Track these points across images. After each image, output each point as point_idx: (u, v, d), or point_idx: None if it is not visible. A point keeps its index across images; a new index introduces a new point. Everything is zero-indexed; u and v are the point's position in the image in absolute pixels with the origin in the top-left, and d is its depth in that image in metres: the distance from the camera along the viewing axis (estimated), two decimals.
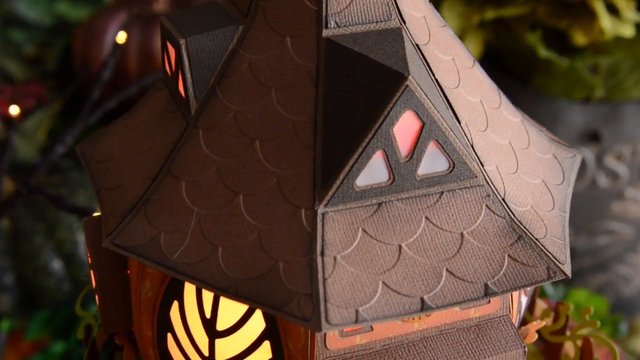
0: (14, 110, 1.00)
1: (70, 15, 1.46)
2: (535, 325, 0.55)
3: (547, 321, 0.64)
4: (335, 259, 0.42)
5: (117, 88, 1.04)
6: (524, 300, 0.52)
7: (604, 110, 1.11)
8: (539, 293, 0.70)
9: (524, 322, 0.61)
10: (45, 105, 1.26)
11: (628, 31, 0.97)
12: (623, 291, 1.23)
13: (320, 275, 0.42)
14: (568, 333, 0.62)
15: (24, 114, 1.22)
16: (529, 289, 0.52)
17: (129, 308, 0.52)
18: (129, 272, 0.51)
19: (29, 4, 1.46)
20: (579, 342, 0.61)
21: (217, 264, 0.44)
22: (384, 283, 0.42)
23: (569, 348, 0.63)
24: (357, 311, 0.41)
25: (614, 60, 1.08)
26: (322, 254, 0.42)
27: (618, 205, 1.18)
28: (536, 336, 0.55)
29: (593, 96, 1.10)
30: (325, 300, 0.41)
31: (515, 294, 0.49)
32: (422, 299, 0.43)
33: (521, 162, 0.49)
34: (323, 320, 0.40)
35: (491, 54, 1.05)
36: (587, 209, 1.16)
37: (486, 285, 0.44)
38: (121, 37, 0.89)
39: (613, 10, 0.98)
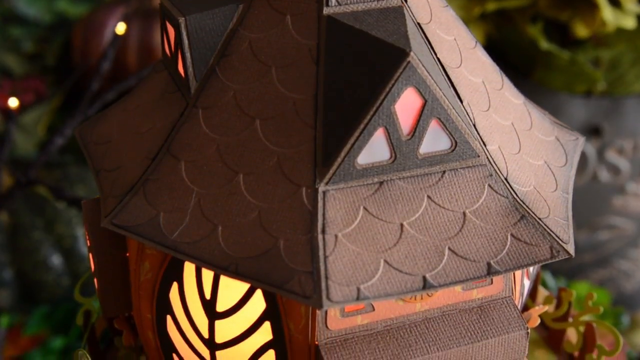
0: (13, 102, 1.00)
1: (69, 12, 1.46)
2: (537, 310, 0.54)
3: (550, 308, 0.64)
4: (336, 237, 0.42)
5: (117, 82, 1.04)
6: (527, 283, 0.52)
7: (606, 104, 1.11)
8: (540, 284, 0.69)
9: (526, 308, 0.60)
10: (45, 100, 1.26)
11: (630, 23, 0.96)
12: (624, 286, 1.22)
13: (321, 253, 0.41)
14: (570, 320, 0.62)
15: (23, 108, 1.22)
16: (532, 271, 0.52)
17: (128, 291, 0.51)
18: (128, 254, 0.50)
19: (28, 2, 1.46)
20: (582, 328, 0.61)
21: (217, 242, 0.43)
22: (385, 261, 0.42)
23: (572, 335, 0.63)
24: (358, 289, 0.41)
25: (616, 53, 1.08)
26: (323, 232, 0.42)
27: (619, 200, 1.18)
28: (538, 320, 0.54)
29: (594, 90, 1.10)
30: (327, 278, 0.41)
31: (518, 276, 0.49)
32: (424, 277, 0.42)
33: (523, 144, 0.49)
34: (324, 297, 0.40)
35: (492, 46, 1.04)
36: (588, 203, 1.16)
37: (489, 264, 0.43)
38: (120, 28, 0.89)
39: (615, 2, 0.98)
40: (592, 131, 1.12)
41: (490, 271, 0.43)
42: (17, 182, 0.92)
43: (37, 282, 1.13)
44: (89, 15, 1.22)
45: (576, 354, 0.61)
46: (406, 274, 0.42)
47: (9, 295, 1.14)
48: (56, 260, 1.14)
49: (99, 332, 0.61)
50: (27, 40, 1.37)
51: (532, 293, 0.63)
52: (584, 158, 1.07)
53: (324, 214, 0.42)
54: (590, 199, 1.16)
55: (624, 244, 1.21)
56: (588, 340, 0.59)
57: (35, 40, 1.37)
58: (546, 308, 0.56)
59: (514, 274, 0.48)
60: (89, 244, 0.52)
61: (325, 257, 0.41)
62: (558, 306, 0.63)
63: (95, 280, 0.52)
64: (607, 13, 0.96)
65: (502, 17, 1.04)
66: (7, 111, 1.00)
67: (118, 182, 0.48)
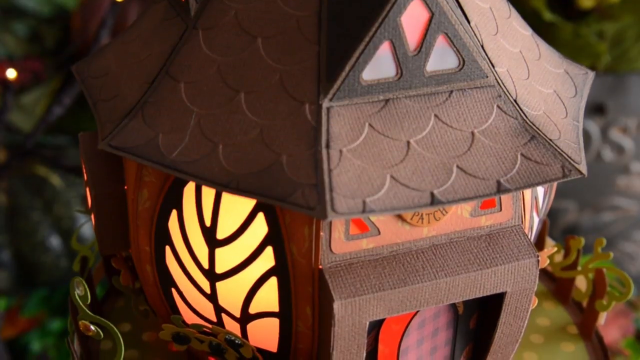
0: (11, 74, 0.99)
1: (68, 4, 1.45)
2: (546, 251, 0.53)
3: (558, 257, 0.62)
4: (341, 151, 0.41)
5: None
6: (536, 220, 0.50)
7: (609, 82, 1.09)
8: None
9: None
10: (44, 82, 1.25)
11: None
12: (629, 269, 1.21)
13: (325, 167, 0.40)
14: (579, 268, 0.61)
15: (22, 89, 1.21)
16: (541, 208, 0.51)
17: (126, 228, 0.50)
18: (125, 187, 0.49)
19: None
20: (591, 276, 0.59)
21: (218, 160, 0.42)
22: (392, 177, 0.41)
23: (581, 284, 0.61)
24: (364, 202, 0.39)
25: (620, 26, 1.07)
26: (328, 146, 0.41)
27: (623, 180, 1.17)
28: (548, 261, 0.53)
29: (599, 65, 1.08)
30: (331, 190, 0.39)
31: (527, 206, 0.47)
32: (432, 193, 0.41)
33: (532, 72, 0.48)
34: (329, 208, 0.39)
35: None
36: (592, 184, 1.14)
37: (498, 182, 0.42)
38: None
39: None
40: (595, 109, 1.11)
41: (500, 189, 0.42)
42: (15, 153, 0.90)
43: (36, 264, 1.12)
44: None
45: (585, 303, 0.60)
46: (413, 190, 0.41)
47: (7, 276, 1.13)
48: (55, 241, 1.13)
49: (96, 282, 0.59)
50: (26, 33, 1.36)
51: (539, 243, 0.61)
52: (587, 137, 1.06)
53: (328, 130, 0.41)
54: (593, 180, 1.14)
55: (628, 226, 1.20)
56: (598, 286, 0.58)
57: (33, 30, 1.36)
58: (555, 249, 0.54)
59: (523, 203, 0.47)
60: (85, 178, 0.50)
61: (330, 171, 0.40)
62: (566, 255, 0.61)
63: (92, 216, 0.51)
64: None
65: None
66: (5, 82, 0.99)
67: (116, 108, 0.46)
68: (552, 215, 1.09)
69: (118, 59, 0.50)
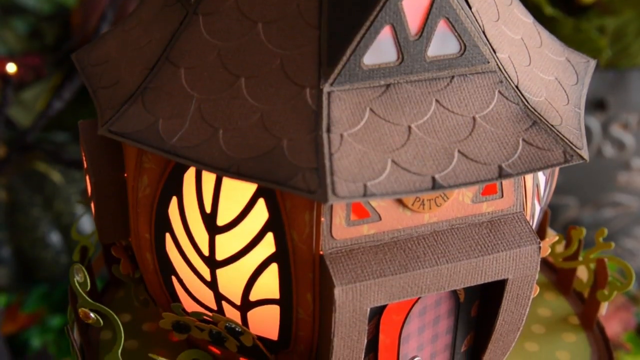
0: (11, 68, 0.99)
1: (68, 2, 1.45)
2: (548, 240, 0.53)
3: (559, 248, 0.62)
4: (342, 136, 0.40)
5: None
6: (538, 208, 0.50)
7: (610, 77, 1.09)
8: None
9: None
10: (44, 78, 1.25)
11: None
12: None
13: (326, 151, 0.40)
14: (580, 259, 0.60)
15: (22, 85, 1.21)
16: (542, 196, 0.50)
17: (126, 216, 0.50)
18: (125, 175, 0.49)
19: None
20: (592, 266, 0.59)
21: (218, 145, 0.42)
22: (393, 161, 0.40)
23: (582, 274, 0.61)
24: (365, 185, 0.39)
25: (621, 21, 1.06)
26: (328, 130, 0.40)
27: (624, 176, 1.16)
28: (549, 250, 0.53)
29: (600, 60, 1.08)
30: (332, 174, 0.39)
31: (529, 193, 0.47)
32: (433, 178, 0.41)
33: (534, 59, 0.48)
34: (329, 192, 0.38)
35: None
36: (593, 179, 1.14)
37: (500, 167, 0.42)
38: None
39: None
40: (596, 105, 1.11)
41: (502, 174, 0.41)
42: (15, 147, 0.90)
43: (36, 260, 1.12)
44: None
45: (586, 294, 0.60)
46: (415, 174, 0.40)
47: (7, 273, 1.12)
48: (55, 237, 1.12)
49: (96, 272, 0.59)
50: (26, 30, 1.36)
51: (540, 234, 0.61)
52: (588, 133, 1.06)
53: (329, 114, 0.41)
54: (594, 175, 1.14)
55: (629, 222, 1.19)
56: (599, 276, 0.57)
57: (33, 27, 1.36)
58: (557, 238, 0.54)
59: (524, 190, 0.46)
60: (85, 166, 0.50)
61: (331, 155, 0.40)
62: (567, 246, 0.61)
63: (92, 204, 0.51)
64: None
65: None
66: (5, 76, 0.99)
67: (116, 94, 0.46)
68: (553, 211, 1.09)
69: (118, 46, 0.50)
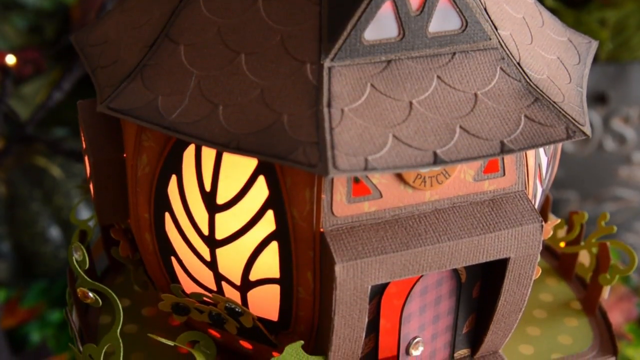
0: (10, 59, 0.98)
1: (68, 0, 1.45)
2: (551, 222, 0.52)
3: (561, 233, 0.62)
4: (342, 110, 0.40)
5: None
6: (540, 189, 0.50)
7: (611, 71, 1.09)
8: None
9: None
10: (44, 73, 1.25)
11: None
12: None
13: (327, 125, 0.39)
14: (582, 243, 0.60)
15: (22, 79, 1.20)
16: (544, 177, 0.50)
17: (125, 197, 0.49)
18: (125, 155, 0.48)
19: None
20: (595, 250, 0.59)
21: (218, 121, 0.41)
22: (394, 136, 0.40)
23: (584, 259, 0.61)
24: (366, 159, 0.39)
25: (622, 14, 1.06)
26: (329, 105, 0.40)
27: (625, 170, 1.16)
28: (551, 232, 0.52)
29: (601, 52, 1.08)
30: (333, 148, 0.39)
31: (531, 173, 0.47)
32: (434, 153, 0.40)
33: (536, 38, 0.47)
34: (330, 165, 0.38)
35: None
36: (594, 174, 1.14)
37: (502, 143, 0.41)
38: None
39: None
40: (597, 98, 1.10)
41: (504, 149, 0.41)
42: (14, 138, 0.90)
43: (35, 254, 1.11)
44: None
45: (588, 279, 0.59)
46: (416, 149, 0.40)
47: (7, 267, 1.12)
48: (54, 232, 1.12)
49: (95, 256, 0.59)
50: (26, 27, 1.36)
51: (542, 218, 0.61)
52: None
53: (329, 89, 0.40)
54: (595, 170, 1.14)
55: (630, 216, 1.19)
56: (602, 260, 0.57)
57: (33, 22, 1.36)
58: (559, 221, 0.54)
59: (526, 169, 0.46)
60: (84, 146, 0.50)
61: (331, 129, 0.39)
62: (569, 231, 0.61)
63: (90, 185, 0.50)
64: None
65: None
66: (4, 68, 0.98)
67: (115, 72, 0.46)
68: (553, 206, 1.09)
69: (117, 26, 0.49)
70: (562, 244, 0.60)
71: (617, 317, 0.87)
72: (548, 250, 0.63)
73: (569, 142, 0.43)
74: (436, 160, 0.40)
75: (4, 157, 0.94)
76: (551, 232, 0.52)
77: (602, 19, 1.05)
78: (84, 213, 1.01)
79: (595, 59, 1.06)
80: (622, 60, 1.08)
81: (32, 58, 1.29)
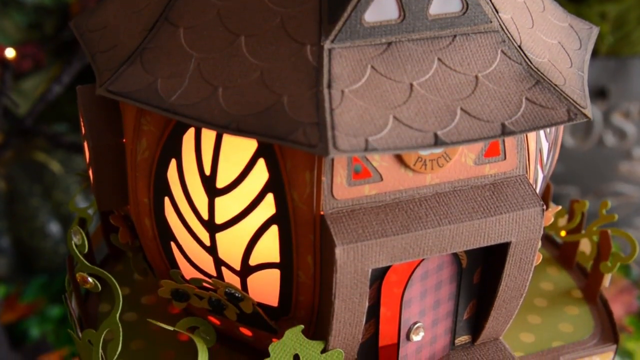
0: (10, 53, 0.98)
1: None
2: (551, 210, 0.52)
3: (562, 222, 0.62)
4: (343, 92, 0.40)
5: None
6: (541, 175, 0.50)
7: (612, 66, 1.08)
8: None
9: None
10: (44, 68, 1.25)
11: None
12: None
13: (327, 106, 0.39)
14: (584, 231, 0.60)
15: (21, 74, 1.20)
16: (545, 163, 0.50)
17: (124, 182, 0.49)
18: (124, 140, 0.48)
19: None
20: (596, 238, 0.58)
21: (217, 103, 0.41)
22: (395, 117, 0.40)
23: (585, 248, 0.61)
24: (366, 140, 0.39)
25: (622, 8, 1.06)
26: (329, 86, 0.40)
27: (626, 166, 1.16)
28: (552, 219, 0.52)
29: (601, 46, 1.08)
30: (333, 128, 0.38)
31: (532, 157, 0.47)
32: (435, 134, 0.40)
33: (537, 22, 0.47)
34: (330, 145, 0.38)
35: None
36: (594, 169, 1.14)
37: (503, 125, 0.41)
38: None
39: None
40: (597, 93, 1.10)
41: (505, 131, 0.41)
42: (14, 130, 0.90)
43: (35, 250, 1.11)
44: None
45: (589, 267, 0.59)
46: (417, 130, 0.40)
47: (6, 263, 1.12)
48: (54, 227, 1.12)
49: (94, 244, 0.58)
50: (26, 25, 1.36)
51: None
52: (588, 122, 1.05)
53: (329, 71, 0.40)
54: (595, 165, 1.14)
55: (630, 212, 1.19)
56: (603, 248, 0.57)
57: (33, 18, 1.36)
58: (560, 207, 0.54)
59: (527, 153, 0.46)
60: (84, 132, 0.50)
61: (332, 110, 0.39)
62: (570, 220, 0.61)
63: (90, 171, 0.50)
64: None
65: None
66: (4, 61, 0.98)
67: (114, 56, 0.46)
68: (554, 202, 1.09)
69: (116, 11, 0.49)
70: (563, 233, 0.60)
71: (617, 310, 0.87)
72: (548, 239, 0.63)
73: (569, 137, 0.43)
74: (437, 142, 0.40)
75: (3, 150, 0.94)
76: (552, 219, 0.52)
77: (603, 12, 1.05)
78: (83, 205, 1.01)
79: (596, 54, 1.06)
80: (623, 55, 1.08)
81: (32, 52, 1.29)
